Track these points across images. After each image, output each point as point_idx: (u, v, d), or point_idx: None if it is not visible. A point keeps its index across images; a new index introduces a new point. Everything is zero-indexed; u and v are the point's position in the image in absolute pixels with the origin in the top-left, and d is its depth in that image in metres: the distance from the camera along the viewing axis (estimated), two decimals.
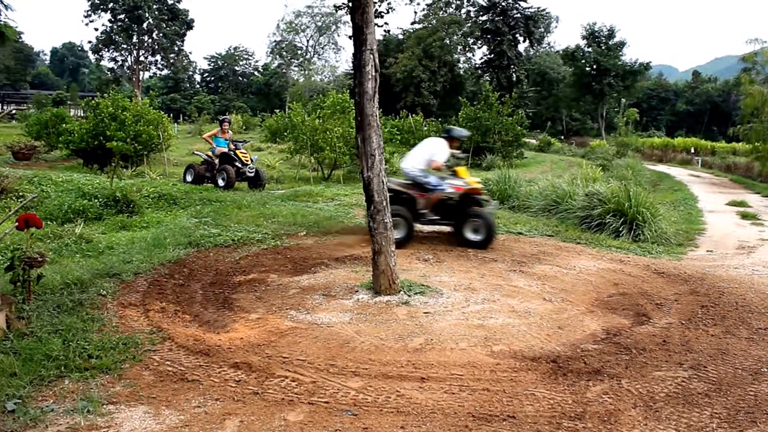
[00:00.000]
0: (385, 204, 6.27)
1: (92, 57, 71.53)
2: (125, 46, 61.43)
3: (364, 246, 8.30)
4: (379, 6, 8.15)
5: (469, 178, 9.23)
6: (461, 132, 9.97)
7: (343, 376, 4.24)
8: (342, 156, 19.41)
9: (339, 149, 18.80)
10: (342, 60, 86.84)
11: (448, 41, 58.12)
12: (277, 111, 36.89)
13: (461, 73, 61.39)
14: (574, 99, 62.48)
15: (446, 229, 9.46)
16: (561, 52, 64.11)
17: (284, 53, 72.23)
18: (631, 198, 10.38)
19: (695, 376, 4.40)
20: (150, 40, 62.57)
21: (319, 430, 3.50)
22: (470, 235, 8.90)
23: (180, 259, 7.37)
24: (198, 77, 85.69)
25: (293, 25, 70.53)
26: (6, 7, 8.78)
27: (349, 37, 6.45)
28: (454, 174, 9.20)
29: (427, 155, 9.17)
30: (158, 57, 64.16)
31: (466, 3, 61.90)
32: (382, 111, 7.70)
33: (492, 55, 58.83)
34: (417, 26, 58.00)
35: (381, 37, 49.66)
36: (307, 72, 70.20)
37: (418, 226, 9.35)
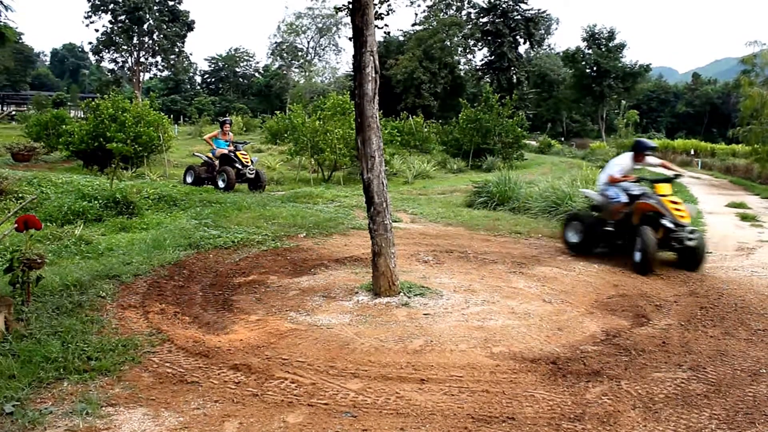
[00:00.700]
0: (385, 206, 6.27)
1: (92, 58, 71.63)
2: (125, 47, 61.44)
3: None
4: (380, 8, 8.14)
5: (669, 197, 8.13)
6: (645, 143, 9.07)
7: (342, 378, 4.24)
8: (342, 157, 19.43)
9: (339, 151, 18.83)
10: (342, 61, 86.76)
11: (448, 43, 58.11)
12: (278, 112, 36.93)
13: (462, 74, 61.37)
14: (574, 101, 62.46)
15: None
16: (561, 53, 64.09)
17: (285, 55, 72.23)
18: None
19: (694, 378, 4.41)
20: (150, 42, 62.58)
21: (319, 431, 3.50)
22: (635, 253, 7.88)
23: (180, 261, 7.37)
24: (198, 78, 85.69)
25: (294, 26, 70.56)
26: (6, 8, 8.78)
27: (350, 39, 6.46)
28: (652, 189, 8.38)
29: (607, 170, 8.90)
30: (159, 58, 64.16)
31: (466, 5, 62.02)
32: (382, 112, 7.69)
33: (492, 57, 58.90)
34: (417, 28, 57.99)
35: (381, 39, 49.66)
36: (307, 73, 70.21)
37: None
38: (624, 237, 8.37)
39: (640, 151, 8.77)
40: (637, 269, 7.76)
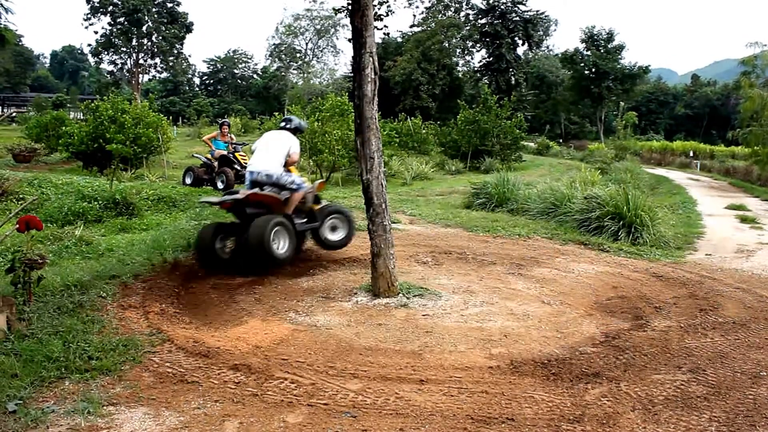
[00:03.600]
0: (384, 206, 6.28)
1: (92, 60, 71.75)
2: (125, 49, 61.50)
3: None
4: (379, 9, 8.16)
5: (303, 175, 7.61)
6: (301, 123, 8.23)
7: (342, 378, 4.25)
8: (341, 159, 19.43)
9: (338, 152, 18.83)
10: (341, 63, 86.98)
11: (447, 44, 58.23)
12: (276, 114, 36.92)
13: (460, 76, 61.45)
14: (572, 102, 62.54)
15: None
16: (560, 55, 64.19)
17: (283, 56, 72.24)
18: (630, 201, 10.39)
19: (694, 380, 4.41)
20: (149, 43, 62.63)
21: (318, 431, 3.51)
22: (329, 236, 8.00)
23: (179, 261, 7.37)
24: (197, 80, 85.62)
25: (292, 28, 70.58)
26: (6, 10, 8.80)
27: (349, 40, 6.50)
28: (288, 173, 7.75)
29: (285, 150, 7.68)
30: (157, 60, 64.22)
31: (465, 6, 62.13)
32: (380, 114, 7.65)
33: (491, 59, 58.95)
34: (416, 29, 58.10)
35: (380, 40, 49.70)
36: (306, 75, 70.16)
37: None
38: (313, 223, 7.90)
39: (299, 131, 8.13)
40: (341, 245, 8.05)
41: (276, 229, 6.90)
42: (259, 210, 7.20)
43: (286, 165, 7.65)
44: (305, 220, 7.85)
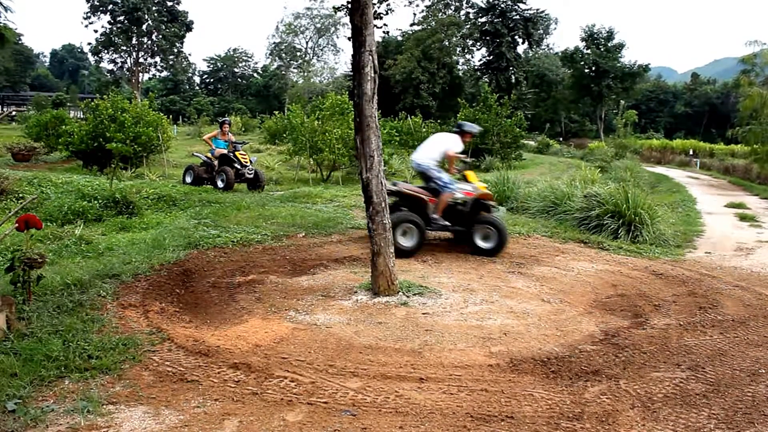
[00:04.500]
0: (384, 205, 6.29)
1: (92, 59, 71.57)
2: (125, 47, 61.42)
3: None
4: (378, 7, 8.16)
5: (478, 183, 8.97)
6: (473, 127, 9.45)
7: (342, 377, 4.25)
8: (341, 157, 19.42)
9: (338, 150, 18.81)
10: (341, 62, 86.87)
11: (447, 43, 58.15)
12: (276, 112, 36.88)
13: (460, 74, 61.39)
14: (572, 101, 62.51)
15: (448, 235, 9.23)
16: (560, 53, 64.13)
17: (283, 55, 72.22)
18: (630, 199, 10.40)
19: (693, 377, 4.42)
20: (149, 42, 62.57)
21: (318, 430, 3.52)
22: (481, 243, 8.57)
23: (179, 260, 7.38)
24: (197, 79, 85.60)
25: (292, 26, 70.54)
26: (5, 8, 8.79)
27: (349, 39, 6.47)
28: (464, 178, 8.97)
29: (442, 147, 8.79)
30: (157, 59, 64.15)
31: (465, 5, 61.99)
32: (381, 112, 7.69)
33: (491, 57, 58.87)
34: (416, 28, 57.98)
35: (380, 39, 49.67)
36: (306, 74, 70.15)
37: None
38: (463, 228, 8.79)
39: (467, 133, 9.10)
40: (491, 254, 8.45)
41: (402, 226, 8.25)
42: (407, 204, 8.69)
43: (444, 162, 8.78)
44: (449, 223, 8.77)
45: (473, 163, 26.32)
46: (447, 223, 8.75)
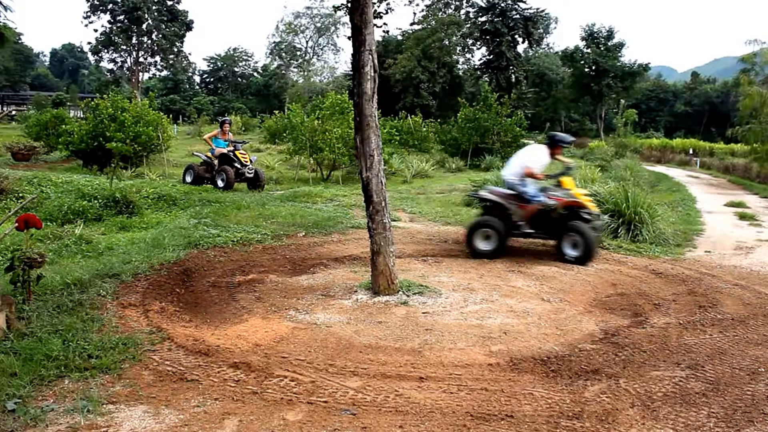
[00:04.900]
0: (383, 204, 6.29)
1: (92, 58, 71.63)
2: (124, 47, 61.47)
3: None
4: (378, 7, 8.16)
5: (575, 190, 8.65)
6: (564, 137, 9.06)
7: (341, 376, 4.26)
8: (341, 157, 19.43)
9: (338, 150, 18.82)
10: (341, 61, 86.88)
11: (447, 42, 58.07)
12: (277, 112, 36.86)
13: (460, 74, 61.32)
14: (572, 100, 62.45)
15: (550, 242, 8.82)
16: (560, 53, 64.06)
17: (283, 54, 72.20)
18: (630, 198, 10.39)
19: (693, 376, 4.42)
20: (149, 41, 62.61)
21: (318, 429, 3.52)
22: (568, 251, 8.30)
23: (179, 260, 7.39)
24: (197, 78, 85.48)
25: (292, 26, 70.51)
26: (5, 8, 8.78)
27: (348, 38, 6.47)
28: (559, 185, 8.71)
29: (523, 163, 8.66)
30: (157, 58, 64.20)
31: (465, 4, 61.91)
32: (381, 112, 7.69)
33: (491, 56, 58.80)
34: (416, 27, 57.84)
35: (380, 38, 49.66)
36: (306, 73, 70.13)
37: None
38: (547, 235, 8.65)
39: (557, 145, 8.82)
40: (579, 262, 8.12)
41: (480, 231, 8.52)
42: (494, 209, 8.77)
43: (527, 175, 8.55)
44: (533, 230, 8.65)
45: (473, 162, 26.42)
46: (531, 230, 8.66)
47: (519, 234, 8.75)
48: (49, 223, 9.12)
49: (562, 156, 9.05)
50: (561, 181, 8.73)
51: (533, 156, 8.77)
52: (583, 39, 57.76)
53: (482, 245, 8.51)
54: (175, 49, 64.29)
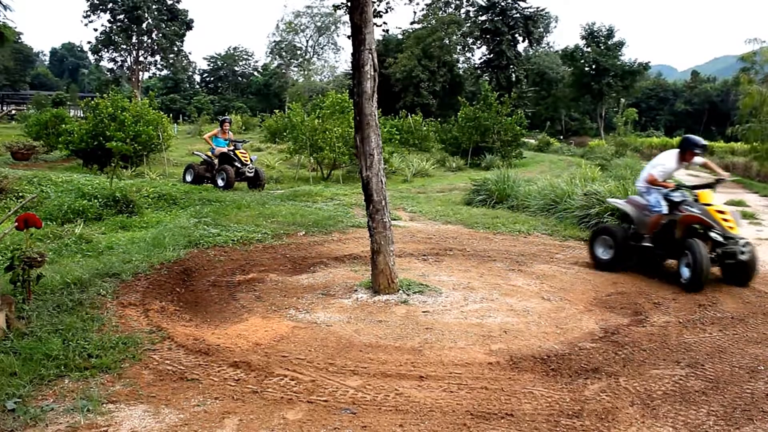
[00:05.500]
0: (384, 203, 6.29)
1: (92, 57, 71.63)
2: (124, 46, 61.48)
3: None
4: (378, 5, 8.16)
5: (712, 207, 7.16)
6: (696, 141, 7.75)
7: (342, 375, 4.26)
8: (341, 156, 19.44)
9: (338, 149, 18.84)
10: (341, 60, 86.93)
11: (447, 41, 58.08)
12: (277, 111, 36.88)
13: (460, 73, 61.36)
14: (573, 99, 62.50)
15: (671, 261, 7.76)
16: (560, 52, 64.14)
17: (284, 53, 72.21)
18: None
19: (692, 374, 4.42)
20: (149, 41, 62.62)
21: (318, 428, 3.52)
22: (683, 270, 7.03)
23: (179, 259, 7.38)
24: (197, 77, 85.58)
25: (293, 25, 70.49)
26: (5, 7, 8.79)
27: (348, 37, 6.47)
28: (696, 198, 7.43)
29: (648, 168, 7.92)
30: (158, 57, 64.23)
31: (465, 3, 61.95)
32: (381, 111, 7.68)
33: (491, 55, 58.86)
34: (416, 26, 57.90)
35: (380, 37, 49.66)
36: (306, 72, 70.11)
37: None
38: (666, 252, 7.57)
39: (688, 149, 7.66)
40: (687, 288, 6.83)
41: (600, 237, 8.11)
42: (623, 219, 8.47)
43: (650, 182, 7.67)
44: (655, 245, 7.61)
45: (473, 161, 26.42)
46: (651, 244, 7.63)
47: (637, 247, 7.77)
48: (49, 223, 9.11)
49: (707, 161, 8.05)
50: (698, 194, 7.44)
51: (659, 161, 7.83)
52: (583, 38, 57.86)
53: (600, 252, 7.99)
54: (175, 49, 64.33)
